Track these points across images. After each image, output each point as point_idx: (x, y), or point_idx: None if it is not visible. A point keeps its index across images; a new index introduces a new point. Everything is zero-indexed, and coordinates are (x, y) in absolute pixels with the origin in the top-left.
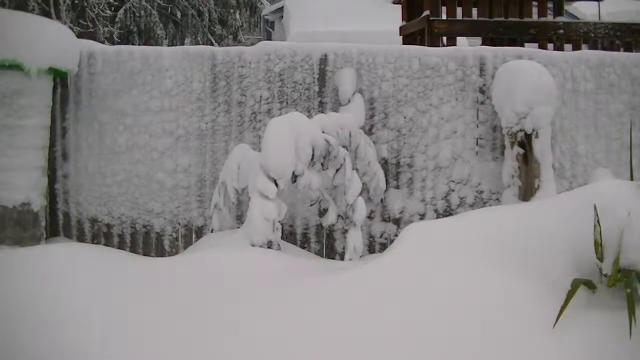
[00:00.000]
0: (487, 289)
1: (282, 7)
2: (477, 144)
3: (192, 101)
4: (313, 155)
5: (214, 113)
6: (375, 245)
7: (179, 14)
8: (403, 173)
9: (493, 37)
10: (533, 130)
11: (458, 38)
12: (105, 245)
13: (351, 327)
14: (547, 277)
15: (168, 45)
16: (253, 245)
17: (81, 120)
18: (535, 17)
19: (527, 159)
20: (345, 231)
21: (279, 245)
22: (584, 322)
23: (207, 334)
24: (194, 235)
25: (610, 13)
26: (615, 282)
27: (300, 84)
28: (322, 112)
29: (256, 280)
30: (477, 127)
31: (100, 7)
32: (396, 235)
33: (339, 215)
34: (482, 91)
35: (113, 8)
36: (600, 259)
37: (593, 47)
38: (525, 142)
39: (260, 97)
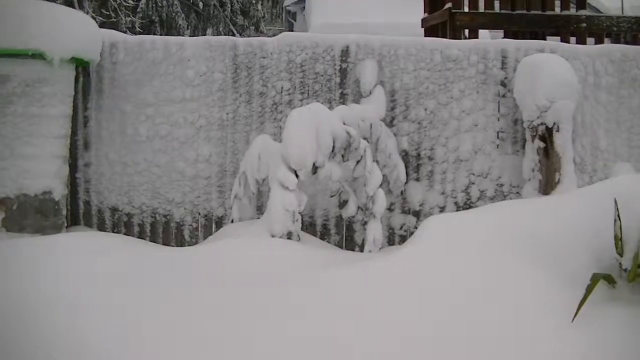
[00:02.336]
0: (505, 282)
1: None
2: (498, 137)
3: (214, 91)
4: (334, 146)
5: (235, 103)
6: (394, 238)
7: (200, 4)
8: (423, 165)
9: (515, 30)
10: (554, 124)
11: (480, 31)
12: (126, 234)
13: (363, 318)
14: (566, 271)
15: (190, 36)
16: (273, 236)
17: (103, 110)
18: (557, 10)
19: (548, 153)
20: (365, 223)
21: (298, 236)
22: (603, 317)
23: (209, 323)
24: (214, 225)
25: (634, 7)
26: (636, 277)
27: (322, 75)
28: (343, 104)
29: (279, 270)
30: (498, 120)
31: None
32: (416, 228)
33: (358, 207)
34: (503, 84)
35: None
36: (620, 253)
37: (616, 40)
38: (547, 136)
39: (282, 88)
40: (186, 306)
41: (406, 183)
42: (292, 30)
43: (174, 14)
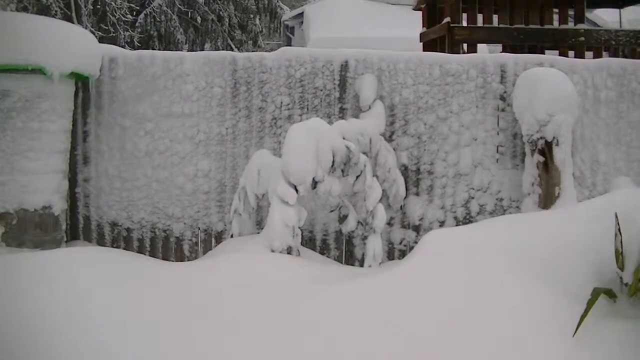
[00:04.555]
0: (506, 297)
1: (302, 12)
2: (497, 152)
3: (213, 106)
4: (333, 161)
5: (235, 118)
6: (394, 252)
7: (199, 19)
8: (423, 180)
9: (514, 44)
10: (554, 138)
11: (478, 45)
12: (125, 249)
13: (368, 327)
14: (567, 285)
15: (188, 50)
16: (273, 251)
17: (102, 125)
18: (556, 24)
19: (547, 167)
20: (365, 238)
21: (298, 251)
22: (604, 331)
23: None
24: (213, 240)
25: (632, 20)
26: (636, 292)
27: (321, 90)
28: (343, 119)
29: (279, 287)
30: (498, 134)
31: (121, 11)
32: (416, 242)
33: (358, 222)
34: (502, 98)
35: (134, 13)
36: (621, 268)
37: (614, 54)
38: (546, 150)
39: (281, 102)
40: (186, 324)
41: (406, 198)
42: (290, 45)
43: (172, 29)
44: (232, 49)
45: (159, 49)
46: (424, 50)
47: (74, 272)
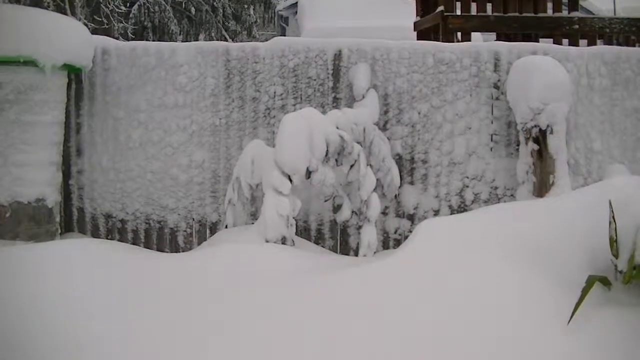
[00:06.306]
0: (502, 285)
1: (297, 2)
2: (491, 140)
3: (206, 97)
4: (327, 151)
5: (228, 109)
6: (389, 241)
7: (193, 10)
8: (417, 169)
9: (507, 32)
10: (548, 126)
11: (472, 33)
12: (120, 240)
13: (356, 326)
14: (561, 273)
15: (182, 41)
16: (267, 241)
17: (95, 116)
18: (549, 12)
19: (541, 155)
20: (360, 227)
21: (292, 241)
22: (599, 319)
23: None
24: (208, 231)
25: (625, 8)
26: (631, 279)
27: (315, 80)
28: (336, 108)
29: (275, 276)
30: (492, 123)
31: (115, 3)
32: (410, 231)
33: (353, 211)
34: (496, 87)
35: (127, 4)
36: (616, 255)
37: (608, 42)
38: (540, 138)
39: (274, 92)
40: (186, 319)
41: (400, 187)
42: (284, 35)
43: (166, 20)
44: (226, 40)
45: (153, 40)
46: (417, 39)
47: (69, 265)
